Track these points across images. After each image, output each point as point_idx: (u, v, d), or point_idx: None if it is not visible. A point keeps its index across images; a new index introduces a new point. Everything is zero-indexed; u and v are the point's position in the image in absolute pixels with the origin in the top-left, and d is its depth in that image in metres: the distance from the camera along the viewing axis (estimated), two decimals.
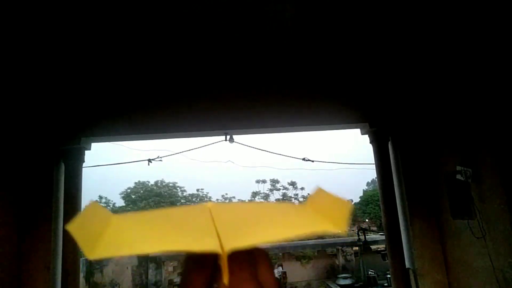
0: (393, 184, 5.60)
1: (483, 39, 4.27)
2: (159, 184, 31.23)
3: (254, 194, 25.63)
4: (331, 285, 8.48)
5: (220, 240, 0.38)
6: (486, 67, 4.26)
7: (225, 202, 26.13)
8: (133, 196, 30.66)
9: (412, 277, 5.31)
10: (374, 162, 5.74)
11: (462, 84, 4.68)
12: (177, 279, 8.21)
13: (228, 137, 6.15)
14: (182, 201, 30.95)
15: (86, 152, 5.68)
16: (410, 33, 4.97)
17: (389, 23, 4.85)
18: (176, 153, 7.93)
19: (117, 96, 5.74)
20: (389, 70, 5.71)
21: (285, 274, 8.37)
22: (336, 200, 0.47)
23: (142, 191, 30.59)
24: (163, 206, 29.66)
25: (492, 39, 4.14)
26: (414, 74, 5.61)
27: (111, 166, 8.75)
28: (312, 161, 8.10)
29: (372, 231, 17.64)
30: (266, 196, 25.30)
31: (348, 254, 9.56)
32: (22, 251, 5.04)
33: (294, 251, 10.07)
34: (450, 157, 5.00)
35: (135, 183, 31.34)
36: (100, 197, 31.43)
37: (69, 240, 5.16)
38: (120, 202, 31.24)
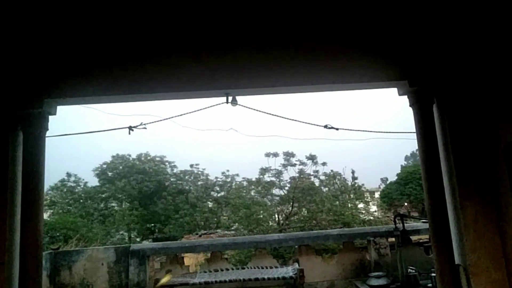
0: (439, 158, 5.58)
1: None
2: (142, 158, 31.39)
3: (263, 170, 25.32)
4: (361, 286, 8.56)
5: None
6: None
7: (227, 180, 25.87)
8: (109, 174, 30.90)
9: (463, 275, 5.35)
10: (415, 131, 5.71)
11: None
12: (165, 279, 8.30)
13: (230, 98, 6.13)
14: (172, 179, 31.11)
15: (50, 117, 5.69)
16: None
17: None
18: (164, 119, 7.94)
19: (89, 46, 5.69)
20: (435, 13, 5.60)
21: (303, 272, 8.36)
22: None
23: (121, 167, 30.79)
24: (148, 186, 29.77)
25: None
26: (466, 18, 5.50)
27: (82, 135, 8.76)
28: (337, 129, 8.07)
29: (413, 217, 17.75)
30: (278, 174, 25.05)
31: (382, 247, 9.58)
32: None
33: (314, 243, 10.10)
34: (510, 124, 4.97)
35: (113, 156, 31.54)
36: (68, 175, 31.75)
37: (29, 229, 5.21)
38: (94, 181, 31.48)
